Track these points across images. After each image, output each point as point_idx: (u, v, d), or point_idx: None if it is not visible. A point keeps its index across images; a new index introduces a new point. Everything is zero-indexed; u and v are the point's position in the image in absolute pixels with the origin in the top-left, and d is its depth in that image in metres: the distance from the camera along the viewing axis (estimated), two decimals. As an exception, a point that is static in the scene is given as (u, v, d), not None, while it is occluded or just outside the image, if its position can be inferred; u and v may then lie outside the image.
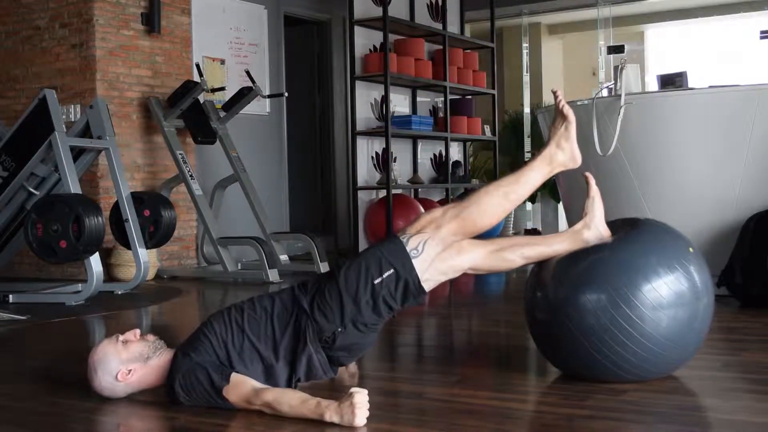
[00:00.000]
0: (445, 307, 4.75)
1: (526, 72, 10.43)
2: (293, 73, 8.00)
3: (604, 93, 4.83)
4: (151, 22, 6.28)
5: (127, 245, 5.25)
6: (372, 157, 7.63)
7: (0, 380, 2.93)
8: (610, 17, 9.70)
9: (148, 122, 6.31)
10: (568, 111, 2.55)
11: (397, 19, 7.40)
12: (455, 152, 8.62)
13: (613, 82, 4.47)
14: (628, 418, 2.18)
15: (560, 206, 8.93)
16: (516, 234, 8.91)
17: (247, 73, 6.48)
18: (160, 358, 2.42)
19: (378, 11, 7.24)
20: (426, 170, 8.27)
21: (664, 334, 2.36)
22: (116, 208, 5.26)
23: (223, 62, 6.99)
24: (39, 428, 2.32)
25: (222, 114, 6.41)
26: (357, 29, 7.33)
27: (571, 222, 4.56)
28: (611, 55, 8.79)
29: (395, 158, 7.70)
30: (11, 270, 6.06)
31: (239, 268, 6.08)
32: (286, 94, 7.07)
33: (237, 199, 6.51)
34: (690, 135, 4.19)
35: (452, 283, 6.00)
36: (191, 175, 6.06)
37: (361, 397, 2.13)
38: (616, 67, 4.39)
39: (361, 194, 7.45)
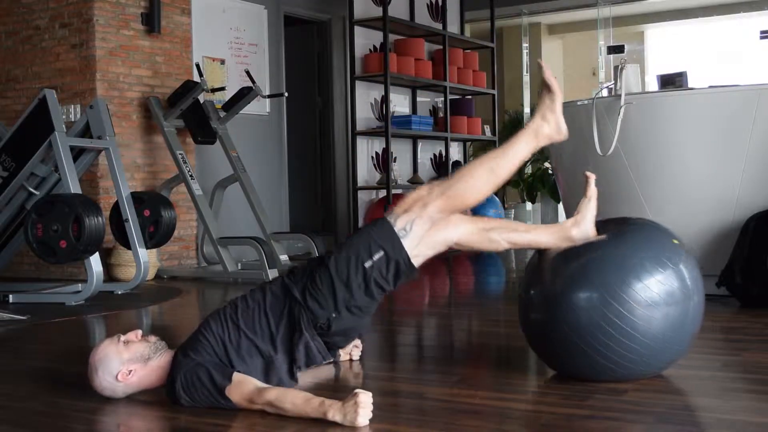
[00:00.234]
0: (445, 307, 4.75)
1: (526, 72, 10.44)
2: (293, 73, 8.00)
3: (604, 93, 4.83)
4: (151, 22, 6.28)
5: (127, 245, 5.25)
6: (372, 157, 7.63)
7: (0, 380, 2.93)
8: (610, 17, 9.71)
9: (148, 122, 6.31)
10: (553, 83, 2.54)
11: (397, 19, 7.40)
12: (455, 152, 8.63)
13: (613, 82, 4.47)
14: (628, 418, 2.18)
15: (560, 206, 8.93)
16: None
17: (247, 73, 6.48)
18: (161, 359, 2.42)
19: (378, 11, 7.24)
20: (426, 170, 8.27)
21: (656, 331, 2.37)
22: (116, 208, 5.26)
23: (223, 62, 6.99)
24: (39, 428, 2.32)
25: (222, 114, 6.41)
26: (357, 29, 7.34)
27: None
28: (611, 55, 8.79)
29: (395, 158, 7.70)
30: (11, 270, 6.06)
31: (239, 268, 6.08)
32: (286, 94, 7.07)
33: (237, 199, 6.51)
34: (690, 135, 4.19)
35: (452, 283, 6.00)
36: (191, 175, 6.06)
37: (364, 397, 2.13)
38: (616, 67, 4.39)
39: (361, 194, 7.46)
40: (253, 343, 2.38)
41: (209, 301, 5.28)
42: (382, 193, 7.40)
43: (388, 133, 7.08)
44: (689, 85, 4.61)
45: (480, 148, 10.02)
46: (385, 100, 7.12)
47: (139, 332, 2.47)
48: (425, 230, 2.39)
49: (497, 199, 8.34)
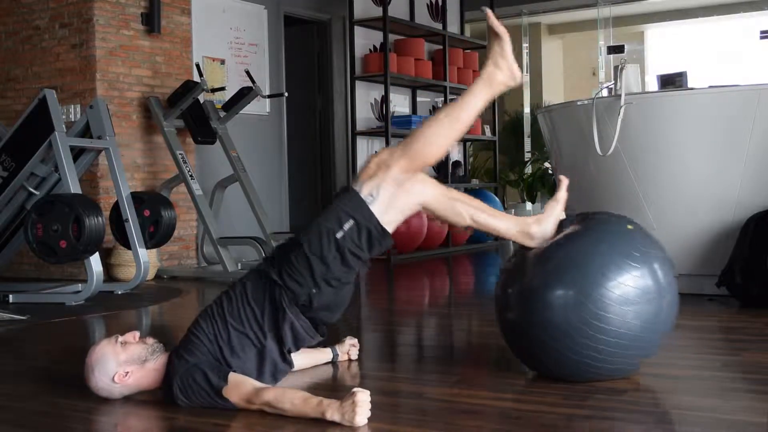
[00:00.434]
0: (445, 307, 4.75)
1: (526, 72, 10.44)
2: (293, 73, 8.00)
3: (604, 93, 4.82)
4: (151, 22, 6.28)
5: (127, 245, 5.25)
6: (372, 158, 7.63)
7: (0, 380, 2.93)
8: (610, 17, 9.71)
9: (148, 122, 6.31)
10: (500, 28, 2.53)
11: (397, 19, 7.40)
12: (455, 152, 8.62)
13: (613, 82, 4.47)
14: (628, 418, 2.18)
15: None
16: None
17: (247, 73, 6.48)
18: (158, 361, 2.42)
19: (378, 11, 7.24)
20: (426, 170, 8.26)
21: (631, 329, 2.37)
22: (116, 208, 5.26)
23: (223, 62, 6.99)
24: (39, 428, 2.32)
25: (222, 114, 6.41)
26: (357, 29, 7.33)
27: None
28: (611, 55, 8.79)
29: (395, 158, 7.69)
30: (11, 270, 6.06)
31: (239, 268, 6.08)
32: (286, 94, 7.07)
33: (237, 199, 6.51)
34: (690, 135, 4.19)
35: (452, 283, 6.00)
36: (191, 175, 6.06)
37: (362, 397, 2.13)
38: (616, 67, 4.39)
39: (361, 194, 7.44)
40: (244, 334, 2.39)
41: (209, 302, 5.25)
42: (382, 193, 7.39)
43: (388, 133, 7.08)
44: (689, 85, 4.61)
45: (480, 148, 10.03)
46: (385, 100, 7.12)
47: (137, 334, 2.47)
48: (392, 193, 2.39)
49: (497, 199, 8.34)
